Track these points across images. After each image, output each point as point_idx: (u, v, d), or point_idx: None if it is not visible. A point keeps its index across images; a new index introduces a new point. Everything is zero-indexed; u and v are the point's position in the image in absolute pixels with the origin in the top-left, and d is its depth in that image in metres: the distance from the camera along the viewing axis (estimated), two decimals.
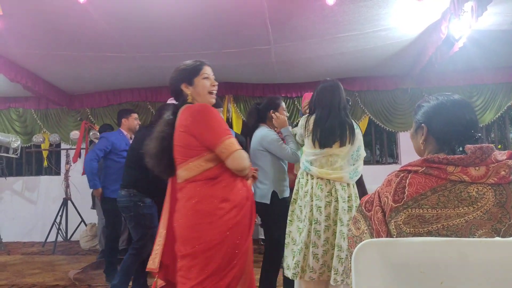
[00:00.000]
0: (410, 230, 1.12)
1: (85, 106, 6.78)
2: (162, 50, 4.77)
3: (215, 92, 2.01)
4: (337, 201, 2.50)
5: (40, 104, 6.80)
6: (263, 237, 4.63)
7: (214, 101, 2.02)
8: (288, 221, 2.68)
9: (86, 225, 6.09)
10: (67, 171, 6.17)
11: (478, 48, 4.59)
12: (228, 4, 3.67)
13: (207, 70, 1.99)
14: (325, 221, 2.48)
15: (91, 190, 5.36)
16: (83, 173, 5.80)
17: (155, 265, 1.95)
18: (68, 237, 6.38)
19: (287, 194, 3.01)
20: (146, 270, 2.03)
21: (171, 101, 3.56)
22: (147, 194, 3.15)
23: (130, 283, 3.42)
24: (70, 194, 6.11)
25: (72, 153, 6.41)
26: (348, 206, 2.50)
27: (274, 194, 2.91)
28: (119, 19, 3.91)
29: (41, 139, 6.78)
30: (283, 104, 3.11)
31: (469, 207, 1.10)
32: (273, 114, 2.99)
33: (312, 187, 2.55)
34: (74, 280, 4.02)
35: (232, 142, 1.82)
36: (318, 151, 2.58)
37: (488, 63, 5.62)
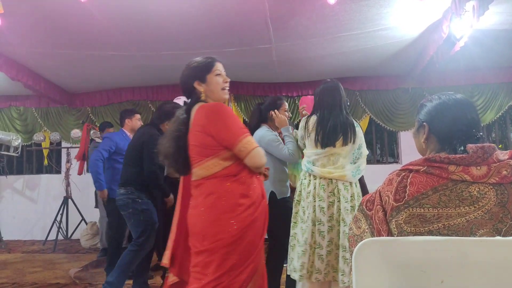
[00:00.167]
0: (411, 230, 1.12)
1: (86, 104, 6.79)
2: (163, 49, 4.77)
3: (227, 88, 2.01)
4: (339, 201, 2.51)
5: (41, 103, 6.80)
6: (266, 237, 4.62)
7: (227, 97, 2.02)
8: (292, 223, 2.67)
9: (86, 223, 6.10)
10: (68, 169, 6.18)
11: (480, 47, 4.59)
12: (229, 3, 3.67)
13: (219, 67, 1.99)
14: (329, 221, 2.49)
15: (95, 189, 5.38)
16: (79, 172, 5.82)
17: (167, 260, 1.96)
18: (69, 235, 6.39)
19: (287, 194, 3.01)
20: (161, 265, 2.01)
21: (178, 99, 3.55)
22: (145, 191, 3.18)
23: (131, 282, 3.42)
24: (70, 193, 6.11)
25: (72, 151, 6.43)
26: (351, 206, 2.50)
27: (272, 194, 2.91)
28: (120, 18, 3.91)
29: (41, 138, 6.79)
30: (285, 104, 3.10)
31: (470, 207, 1.09)
32: (272, 113, 2.99)
33: (314, 187, 2.56)
34: (74, 279, 4.02)
35: (250, 140, 1.83)
36: (320, 150, 2.58)
37: (489, 62, 5.61)
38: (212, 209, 1.79)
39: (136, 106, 6.55)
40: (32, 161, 7.33)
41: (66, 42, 4.50)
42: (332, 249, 2.47)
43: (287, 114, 3.07)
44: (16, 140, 6.50)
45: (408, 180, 1.16)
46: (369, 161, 6.89)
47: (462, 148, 1.17)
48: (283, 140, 2.96)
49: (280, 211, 2.83)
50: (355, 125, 2.63)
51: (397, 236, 1.14)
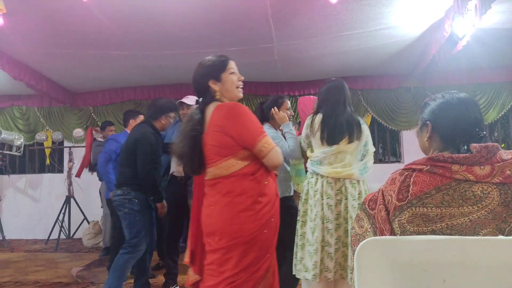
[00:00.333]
0: (414, 229, 1.12)
1: (88, 104, 6.80)
2: (165, 49, 4.77)
3: (242, 86, 2.02)
4: (347, 199, 2.51)
5: (43, 102, 6.81)
6: None
7: (241, 95, 2.03)
8: (300, 222, 2.66)
9: (88, 222, 6.11)
10: (70, 169, 6.19)
11: (482, 46, 4.57)
12: (231, 2, 3.67)
13: (233, 65, 1.99)
14: (336, 219, 2.49)
15: (98, 188, 5.39)
16: (77, 175, 5.83)
17: (188, 258, 1.96)
18: (71, 234, 6.41)
19: (289, 193, 3.01)
20: (184, 263, 2.00)
21: (186, 99, 3.53)
22: (141, 191, 3.09)
23: (131, 281, 3.42)
24: (72, 192, 6.12)
25: (75, 151, 6.45)
26: (358, 204, 2.50)
27: None
28: (122, 18, 3.91)
29: (44, 137, 6.81)
30: (287, 102, 3.09)
31: (474, 206, 1.09)
32: (272, 110, 2.99)
33: (322, 185, 2.56)
34: (77, 278, 4.03)
35: (268, 140, 1.85)
36: (327, 149, 2.58)
37: (492, 61, 5.59)
38: (230, 207, 1.80)
39: (138, 105, 6.55)
40: (35, 160, 7.35)
41: (68, 42, 4.50)
42: (339, 247, 2.48)
43: (288, 112, 3.06)
44: (19, 140, 6.52)
45: (411, 179, 1.16)
46: None
47: (465, 147, 1.16)
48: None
49: (281, 210, 2.83)
50: (361, 122, 2.64)
51: (400, 236, 1.13)
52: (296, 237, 2.68)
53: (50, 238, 6.08)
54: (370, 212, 1.27)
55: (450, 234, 1.09)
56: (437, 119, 1.25)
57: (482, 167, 1.10)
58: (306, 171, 2.84)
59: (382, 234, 1.20)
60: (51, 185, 6.89)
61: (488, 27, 4.10)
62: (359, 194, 2.54)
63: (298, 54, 5.09)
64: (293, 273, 2.65)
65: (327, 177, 2.56)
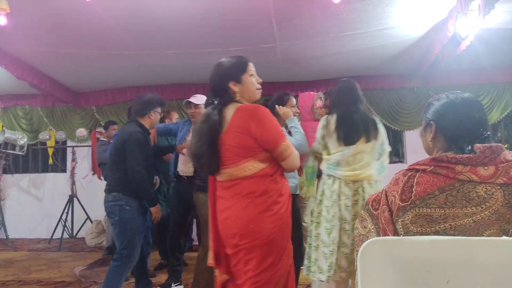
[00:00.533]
0: (417, 230, 1.12)
1: (91, 104, 6.82)
2: (168, 48, 4.77)
3: (260, 88, 2.02)
4: (364, 199, 2.50)
5: (46, 102, 6.84)
6: None
7: (259, 97, 2.04)
8: (314, 223, 2.65)
9: (91, 222, 6.12)
10: (73, 168, 6.20)
11: (485, 46, 4.56)
12: (233, 2, 3.67)
13: (252, 67, 1.99)
14: (353, 220, 2.48)
15: (101, 188, 5.39)
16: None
17: (213, 260, 1.95)
18: (74, 234, 6.42)
19: (294, 191, 3.00)
20: (208, 265, 1.98)
21: (194, 98, 3.52)
22: (133, 196, 2.88)
23: (133, 281, 3.41)
24: (76, 191, 6.14)
25: (78, 150, 6.47)
26: None
27: None
28: (125, 17, 3.92)
29: (47, 137, 6.83)
30: (292, 99, 3.05)
31: (477, 207, 1.09)
32: (276, 107, 2.97)
33: (339, 185, 2.55)
34: (80, 277, 4.04)
35: (289, 143, 1.89)
36: (345, 150, 2.57)
37: (495, 62, 5.57)
38: (251, 208, 1.81)
39: None
40: (38, 159, 7.37)
41: (71, 41, 4.52)
42: (355, 248, 2.48)
43: (294, 110, 3.04)
44: (22, 139, 6.54)
45: (415, 180, 1.15)
46: None
47: (469, 147, 1.16)
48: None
49: None
50: (377, 121, 2.64)
51: (403, 236, 1.13)
52: (309, 238, 2.68)
53: (53, 237, 6.11)
54: (373, 213, 1.27)
55: (454, 235, 1.09)
56: (441, 119, 1.25)
57: (486, 167, 1.10)
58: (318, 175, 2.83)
59: (385, 234, 1.20)
60: (54, 184, 6.91)
61: (492, 27, 4.09)
62: None
63: (300, 54, 5.08)
64: (306, 274, 2.66)
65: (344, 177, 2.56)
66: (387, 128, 6.58)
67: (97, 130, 6.01)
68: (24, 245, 6.12)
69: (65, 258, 5.09)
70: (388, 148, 2.71)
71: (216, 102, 1.94)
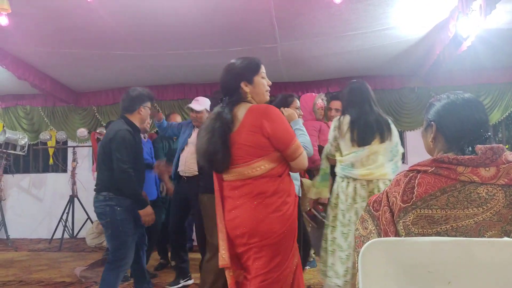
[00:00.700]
0: (418, 231, 1.12)
1: (91, 104, 6.82)
2: (169, 48, 4.77)
3: (269, 91, 2.05)
4: None
5: (47, 102, 6.84)
6: None
7: (268, 99, 2.06)
8: (330, 227, 2.63)
9: (92, 222, 6.12)
10: (74, 168, 6.20)
11: (487, 47, 4.55)
12: (234, 2, 3.67)
13: (263, 69, 2.01)
14: None
15: None
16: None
17: (226, 261, 1.92)
18: (75, 234, 6.42)
19: (298, 193, 2.99)
20: (220, 266, 1.95)
21: (196, 102, 3.52)
22: (124, 195, 2.76)
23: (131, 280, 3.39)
24: (76, 191, 6.14)
25: (78, 150, 6.46)
26: None
27: None
28: (126, 17, 3.92)
29: (48, 137, 6.83)
30: (296, 101, 3.04)
31: (479, 208, 1.08)
32: (281, 109, 2.96)
33: (354, 188, 2.54)
34: (80, 277, 4.04)
35: (299, 144, 1.92)
36: (360, 151, 2.56)
37: (496, 62, 5.56)
38: (261, 208, 1.82)
39: None
40: (39, 160, 7.37)
41: (72, 41, 4.52)
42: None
43: (298, 111, 3.03)
44: (23, 139, 6.54)
45: (416, 181, 1.15)
46: None
47: (470, 148, 1.16)
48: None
49: None
50: (389, 122, 2.63)
51: (404, 237, 1.13)
52: (324, 242, 2.66)
53: (54, 237, 6.11)
54: (375, 214, 1.27)
55: (455, 236, 1.09)
56: (441, 119, 1.25)
57: (487, 168, 1.10)
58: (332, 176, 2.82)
59: (386, 235, 1.19)
60: (55, 184, 6.91)
61: (493, 27, 4.08)
62: None
63: (302, 54, 5.08)
64: (322, 278, 2.66)
65: (360, 179, 2.54)
66: None
67: (96, 131, 6.00)
68: (25, 245, 6.13)
69: (65, 258, 5.09)
70: (401, 150, 2.70)
71: (224, 100, 1.96)
